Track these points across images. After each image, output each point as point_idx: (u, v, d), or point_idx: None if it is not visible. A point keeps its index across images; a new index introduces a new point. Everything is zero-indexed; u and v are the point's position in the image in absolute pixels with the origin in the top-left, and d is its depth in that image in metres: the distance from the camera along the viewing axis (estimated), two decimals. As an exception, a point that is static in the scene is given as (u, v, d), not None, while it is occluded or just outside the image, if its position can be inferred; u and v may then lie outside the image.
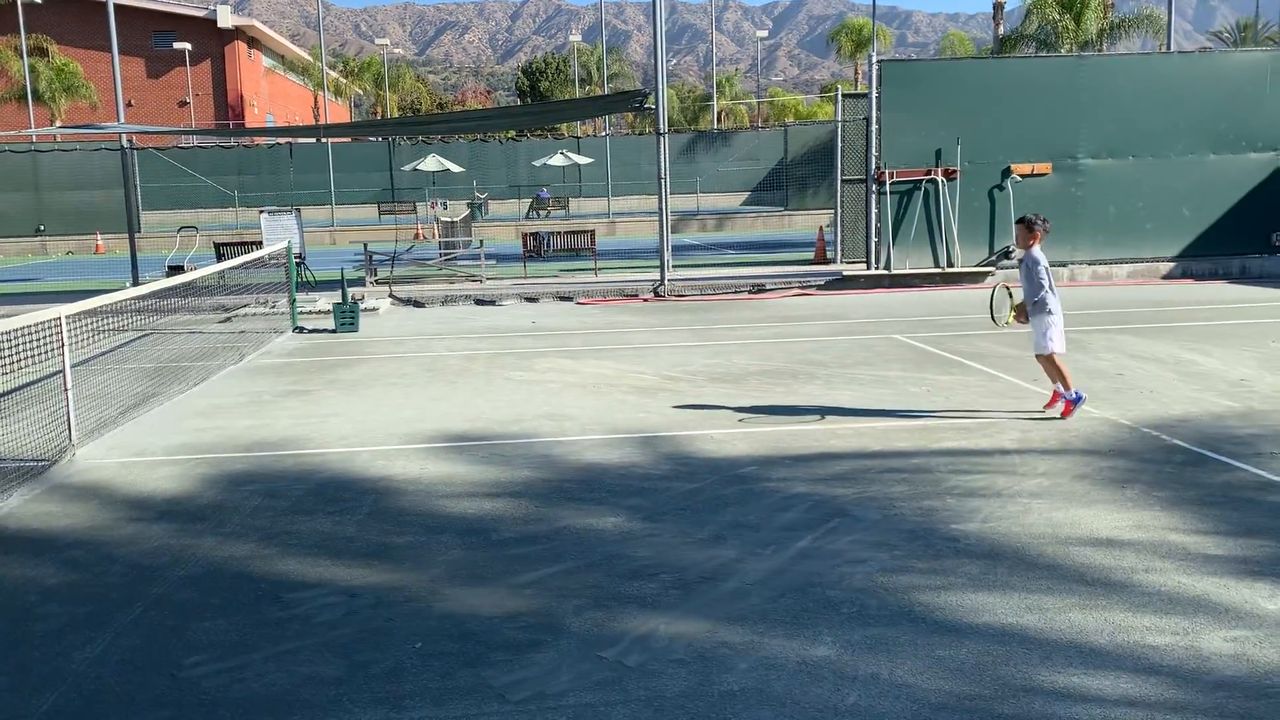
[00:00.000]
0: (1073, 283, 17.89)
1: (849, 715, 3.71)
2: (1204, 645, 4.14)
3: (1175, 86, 17.89)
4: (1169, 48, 25.01)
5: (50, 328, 7.71)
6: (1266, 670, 3.93)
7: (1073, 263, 18.11)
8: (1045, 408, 8.19)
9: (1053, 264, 17.73)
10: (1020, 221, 8.21)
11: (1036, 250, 8.09)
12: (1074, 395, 7.98)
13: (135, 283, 18.11)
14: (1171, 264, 18.28)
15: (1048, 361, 8.05)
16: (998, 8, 43.72)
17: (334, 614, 4.74)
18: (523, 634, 4.46)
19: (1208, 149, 17.96)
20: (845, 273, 18.25)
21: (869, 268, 18.07)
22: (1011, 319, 8.30)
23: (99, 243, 34.79)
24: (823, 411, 8.45)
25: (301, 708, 3.91)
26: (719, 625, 4.48)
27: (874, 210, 17.84)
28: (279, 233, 17.15)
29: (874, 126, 17.60)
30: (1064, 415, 7.94)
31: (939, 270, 17.90)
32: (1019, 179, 17.79)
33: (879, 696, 3.83)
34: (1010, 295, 8.36)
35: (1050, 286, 8.02)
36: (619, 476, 6.78)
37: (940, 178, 17.77)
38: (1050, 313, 7.99)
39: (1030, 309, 8.09)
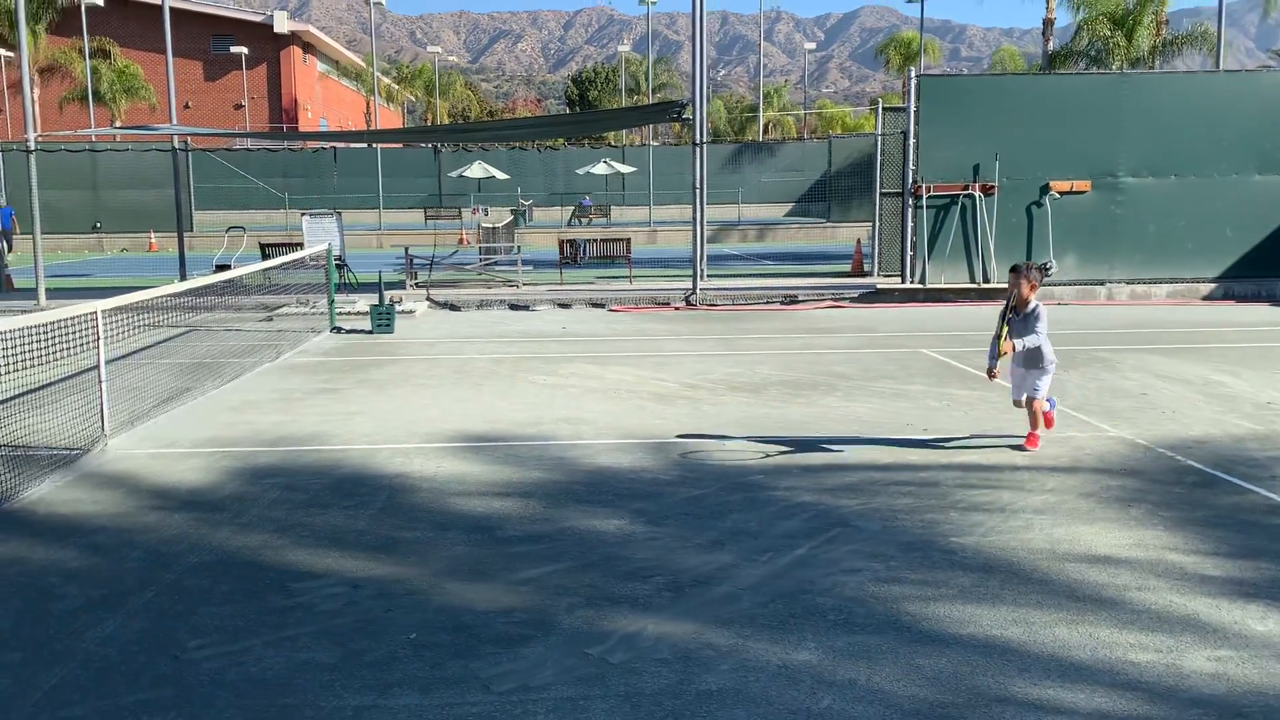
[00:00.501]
0: (1110, 301, 17.74)
1: (821, 718, 3.79)
2: (1185, 663, 4.16)
3: (1220, 105, 17.67)
4: (1220, 65, 24.72)
5: (87, 322, 7.98)
6: (1245, 690, 3.94)
7: (1110, 281, 17.94)
8: (1027, 446, 7.62)
9: (1090, 282, 17.87)
10: (1012, 270, 7.72)
11: (1037, 302, 7.61)
12: (1051, 406, 7.73)
13: (183, 280, 18.54)
14: (1213, 285, 18.04)
15: (1029, 406, 7.60)
16: (1047, 24, 43.30)
17: (336, 604, 4.89)
18: (514, 629, 4.58)
19: (1253, 169, 17.72)
20: (879, 286, 18.23)
21: (904, 281, 18.03)
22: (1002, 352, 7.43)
23: (152, 241, 35.60)
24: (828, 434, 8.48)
25: (295, 691, 4.06)
26: (706, 627, 4.57)
27: (910, 224, 17.81)
28: (320, 235, 17.49)
29: (911, 140, 17.59)
30: (1030, 444, 7.57)
31: (974, 286, 17.82)
32: (1057, 196, 17.67)
33: (853, 701, 3.90)
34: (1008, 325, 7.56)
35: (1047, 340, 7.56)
36: (627, 480, 6.89)
37: (978, 193, 17.70)
38: (1049, 369, 7.58)
39: (1025, 359, 7.52)
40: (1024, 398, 7.61)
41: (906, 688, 3.99)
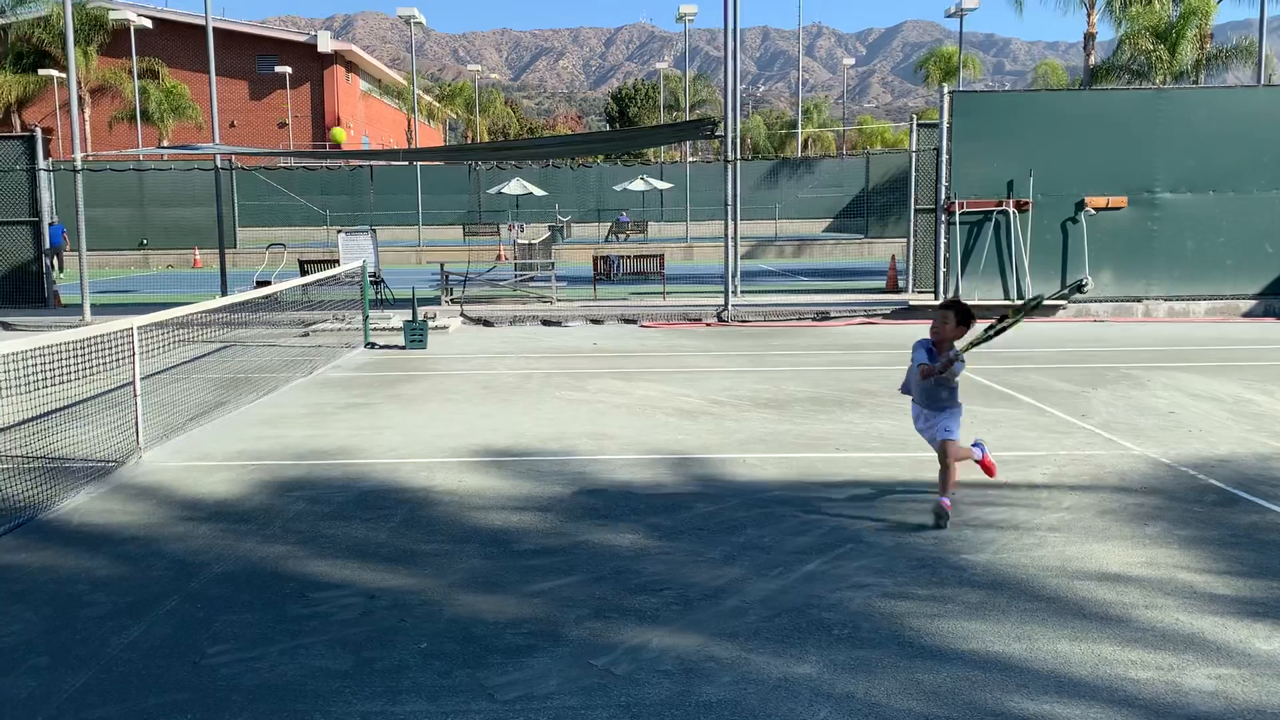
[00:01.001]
0: (1147, 318, 17.57)
1: (817, 730, 3.84)
2: (1185, 681, 4.17)
3: (1258, 120, 17.49)
4: (1260, 80, 24.44)
5: (124, 337, 8.22)
6: (1243, 708, 3.94)
7: (1147, 298, 17.78)
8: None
9: (1126, 299, 17.71)
10: (942, 305, 6.50)
11: (958, 351, 6.28)
12: (982, 451, 6.71)
13: (224, 296, 18.91)
14: (1253, 302, 17.81)
15: (943, 452, 6.37)
16: (1088, 38, 42.97)
17: (352, 613, 5.02)
18: (522, 639, 4.68)
19: (1293, 185, 17.50)
20: (912, 302, 18.19)
21: (937, 298, 17.96)
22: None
23: (197, 257, 36.29)
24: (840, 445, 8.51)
25: (307, 697, 4.18)
26: (710, 640, 4.64)
27: (943, 240, 17.77)
28: (356, 252, 17.79)
29: (944, 157, 17.56)
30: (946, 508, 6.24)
31: (1009, 302, 17.70)
32: (1093, 212, 17.55)
33: (849, 713, 3.95)
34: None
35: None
36: (645, 495, 6.98)
37: (1011, 209, 17.63)
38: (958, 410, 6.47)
39: (928, 398, 6.47)
40: (937, 442, 6.43)
41: (903, 701, 4.03)
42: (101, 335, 7.86)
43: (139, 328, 8.14)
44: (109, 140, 52.36)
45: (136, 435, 8.16)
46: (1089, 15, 42.91)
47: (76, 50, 19.99)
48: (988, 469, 6.76)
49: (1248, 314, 17.73)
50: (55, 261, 22.61)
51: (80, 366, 8.63)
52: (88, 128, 49.61)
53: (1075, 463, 7.73)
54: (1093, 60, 43.72)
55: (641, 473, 7.58)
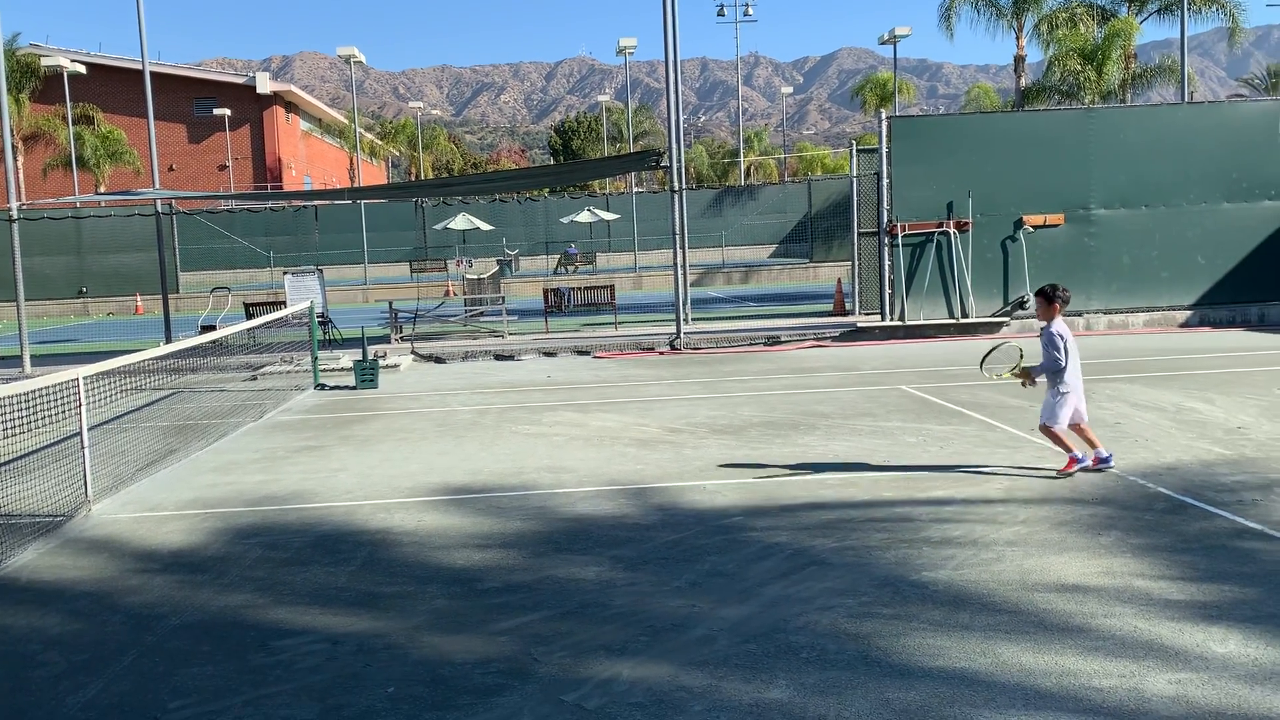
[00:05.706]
0: (1088, 332, 17.95)
1: (791, 755, 3.85)
2: (1147, 687, 4.25)
3: (1186, 137, 18.04)
4: (1184, 98, 25.21)
5: (69, 388, 8.06)
6: (1204, 711, 4.02)
7: (1087, 312, 18.17)
8: (1061, 471, 7.88)
9: (1068, 314, 17.93)
10: (1039, 293, 8.06)
11: (1058, 323, 7.87)
12: (1080, 456, 7.85)
13: (168, 342, 18.60)
14: (1189, 312, 18.28)
15: (1048, 433, 7.92)
16: (1018, 60, 44.08)
17: (315, 660, 4.95)
18: (491, 679, 4.65)
19: (1221, 198, 18.04)
20: (860, 324, 18.42)
21: (884, 319, 18.23)
22: (1010, 375, 8.06)
23: (139, 303, 35.71)
24: (818, 466, 8.59)
25: (274, 748, 4.11)
26: (681, 670, 4.64)
27: (887, 263, 18.06)
28: (302, 293, 17.63)
29: (885, 181, 17.87)
30: (1066, 469, 7.82)
31: (953, 321, 18.02)
32: (1031, 230, 17.94)
33: (822, 737, 3.97)
34: (1021, 355, 8.17)
35: (1065, 363, 7.75)
36: (607, 527, 6.97)
37: (952, 230, 17.97)
38: (1062, 390, 7.78)
39: (1048, 381, 7.91)
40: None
41: (875, 722, 4.06)
42: (47, 387, 7.70)
43: (85, 378, 7.99)
44: (43, 188, 51.44)
45: (85, 488, 7.99)
46: (1018, 39, 44.04)
47: (8, 98, 19.64)
48: (1069, 465, 7.86)
49: (1184, 324, 18.20)
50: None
51: (25, 419, 8.43)
52: (20, 176, 48.70)
53: (1027, 477, 7.86)
54: (1024, 82, 44.80)
55: (602, 504, 7.57)
